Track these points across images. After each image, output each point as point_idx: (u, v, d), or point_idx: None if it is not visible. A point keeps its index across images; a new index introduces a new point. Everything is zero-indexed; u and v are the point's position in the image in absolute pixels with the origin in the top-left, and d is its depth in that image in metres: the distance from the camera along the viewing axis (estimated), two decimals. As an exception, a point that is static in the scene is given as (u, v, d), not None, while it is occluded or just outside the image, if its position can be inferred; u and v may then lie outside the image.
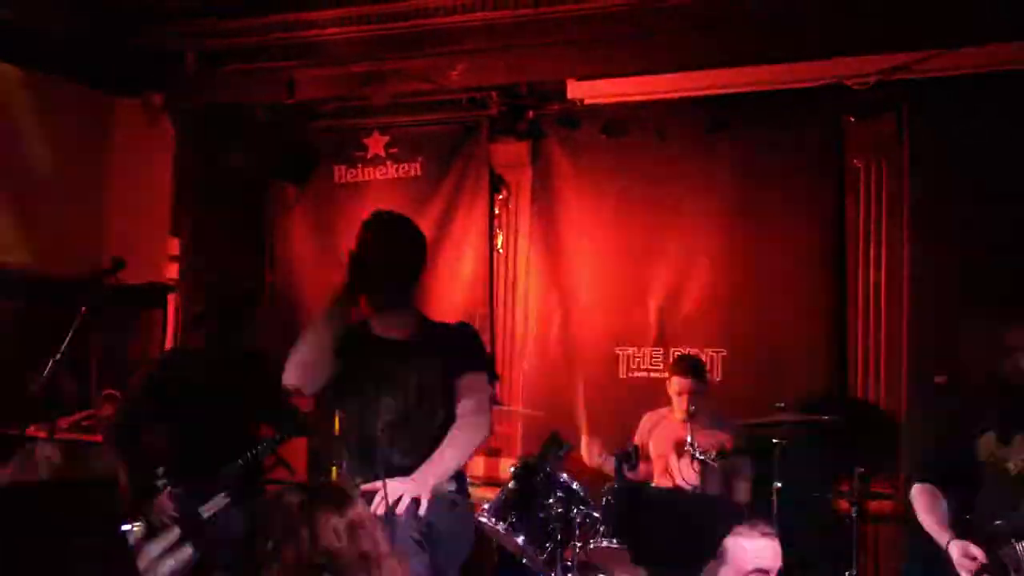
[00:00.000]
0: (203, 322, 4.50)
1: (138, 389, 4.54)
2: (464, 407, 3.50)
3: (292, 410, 4.51)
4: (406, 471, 3.46)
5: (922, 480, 3.67)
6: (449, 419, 3.58)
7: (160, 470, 4.26)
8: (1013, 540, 3.26)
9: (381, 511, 3.14)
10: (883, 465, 5.45)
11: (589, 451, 5.58)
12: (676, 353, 6.09)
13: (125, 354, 7.00)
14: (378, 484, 3.23)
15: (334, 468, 3.58)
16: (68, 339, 4.31)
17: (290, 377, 3.55)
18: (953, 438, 3.63)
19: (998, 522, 3.32)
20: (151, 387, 4.46)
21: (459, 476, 3.63)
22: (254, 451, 4.35)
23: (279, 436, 4.51)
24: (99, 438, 5.63)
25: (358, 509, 2.17)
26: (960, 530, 3.40)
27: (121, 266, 3.68)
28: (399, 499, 3.23)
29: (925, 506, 3.57)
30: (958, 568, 3.33)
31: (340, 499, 2.16)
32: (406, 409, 3.54)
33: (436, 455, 3.37)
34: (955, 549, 3.35)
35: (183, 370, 4.43)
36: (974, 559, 3.30)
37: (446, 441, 3.41)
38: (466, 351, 3.64)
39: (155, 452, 4.35)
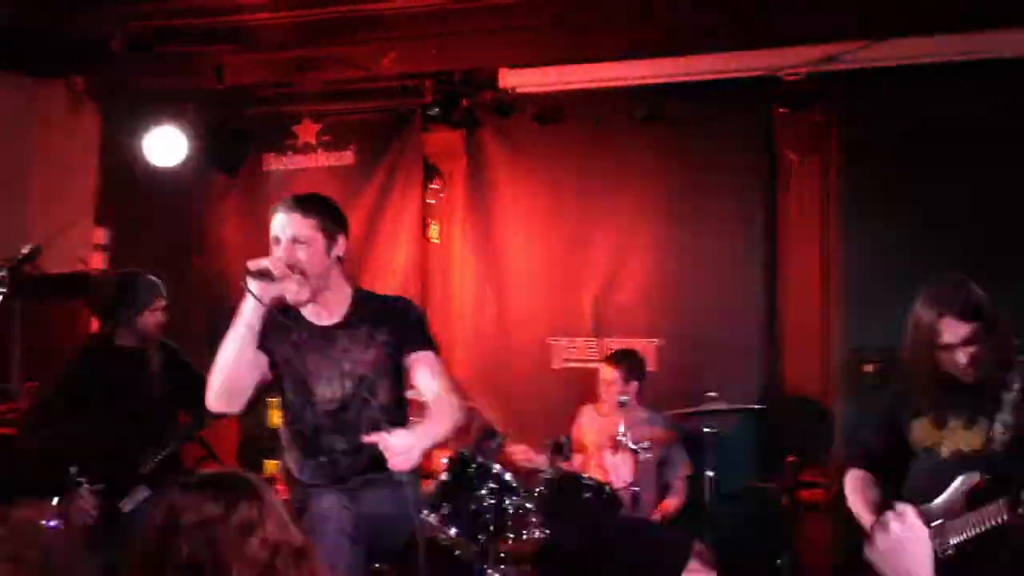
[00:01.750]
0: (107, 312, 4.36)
1: (53, 381, 4.40)
2: (430, 387, 3.42)
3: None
4: (350, 455, 3.40)
5: (854, 466, 3.70)
6: (394, 397, 3.52)
7: (74, 468, 4.13)
8: (942, 520, 3.28)
9: (405, 465, 3.10)
10: (815, 453, 5.50)
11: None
12: (610, 344, 6.08)
13: (49, 345, 6.79)
14: (375, 438, 3.11)
15: (267, 462, 3.48)
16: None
17: (219, 404, 3.38)
18: (886, 424, 3.64)
19: (924, 505, 3.34)
20: (66, 379, 4.32)
21: None
22: (171, 442, 4.25)
23: (195, 425, 4.40)
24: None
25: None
26: (889, 512, 3.42)
27: (35, 255, 3.51)
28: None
29: (855, 489, 3.60)
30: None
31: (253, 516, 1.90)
32: (343, 395, 3.46)
33: (428, 424, 3.29)
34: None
35: (99, 361, 4.29)
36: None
37: (429, 418, 3.32)
38: (408, 325, 3.55)
39: (70, 445, 4.21)
